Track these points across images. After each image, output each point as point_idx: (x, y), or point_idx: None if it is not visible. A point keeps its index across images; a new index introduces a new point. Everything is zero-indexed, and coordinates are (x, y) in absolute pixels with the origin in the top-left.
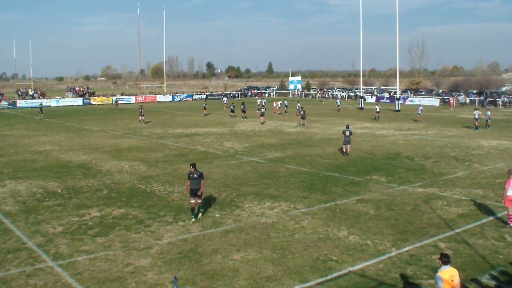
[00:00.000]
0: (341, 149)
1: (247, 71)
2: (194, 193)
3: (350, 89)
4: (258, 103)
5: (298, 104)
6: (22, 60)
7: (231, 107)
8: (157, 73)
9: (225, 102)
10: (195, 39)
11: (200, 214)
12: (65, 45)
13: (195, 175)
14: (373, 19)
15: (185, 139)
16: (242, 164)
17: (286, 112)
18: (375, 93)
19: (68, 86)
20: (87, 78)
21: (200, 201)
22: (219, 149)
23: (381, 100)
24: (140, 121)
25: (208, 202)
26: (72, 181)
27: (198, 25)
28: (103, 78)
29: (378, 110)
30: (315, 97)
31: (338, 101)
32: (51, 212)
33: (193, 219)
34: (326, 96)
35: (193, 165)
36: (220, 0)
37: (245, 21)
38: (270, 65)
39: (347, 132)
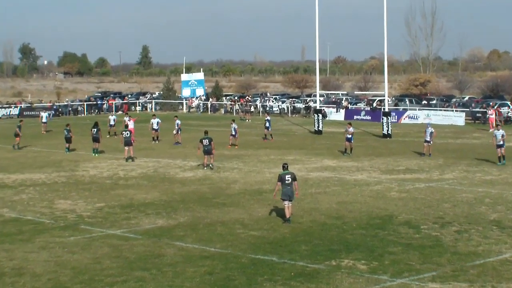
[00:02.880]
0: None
1: (101, 63)
2: None
3: (297, 97)
4: (112, 122)
5: (234, 126)
6: None
7: (65, 132)
8: None
9: (44, 121)
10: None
11: None
12: None
13: None
14: None
15: None
16: (92, 243)
17: (178, 141)
18: (344, 103)
19: None
20: None
21: None
22: (45, 213)
23: (355, 117)
24: None
25: None
26: None
27: None
28: None
29: (350, 135)
30: (231, 111)
31: (266, 119)
32: None
33: None
34: (253, 109)
35: None
36: None
37: None
38: (145, 51)
39: (288, 177)
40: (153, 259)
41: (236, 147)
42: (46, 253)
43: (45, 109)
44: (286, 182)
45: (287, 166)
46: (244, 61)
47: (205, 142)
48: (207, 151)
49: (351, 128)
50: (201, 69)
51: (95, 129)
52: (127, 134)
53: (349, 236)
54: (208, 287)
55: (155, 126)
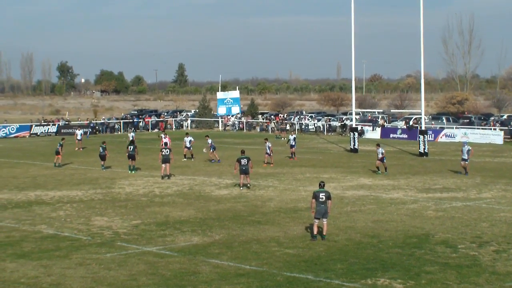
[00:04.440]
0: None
1: (137, 80)
2: None
3: (333, 115)
4: (130, 139)
5: (268, 145)
6: None
7: (101, 149)
8: None
9: (79, 138)
10: (36, 20)
11: None
12: None
13: None
14: None
15: (15, 213)
16: (128, 260)
17: (213, 158)
18: (381, 122)
19: None
20: None
21: None
22: (82, 230)
23: (391, 135)
24: None
25: None
26: None
27: None
28: None
29: (381, 154)
30: (266, 129)
31: (291, 138)
32: None
33: None
34: (288, 127)
35: None
36: None
37: None
38: (181, 69)
39: (322, 195)
40: (188, 277)
41: (272, 165)
42: (83, 269)
43: (80, 126)
44: (320, 200)
45: (323, 185)
46: (279, 79)
47: (243, 161)
48: (245, 171)
49: (380, 148)
50: (237, 87)
51: (132, 147)
52: (167, 152)
53: (385, 255)
54: None
55: (187, 144)
